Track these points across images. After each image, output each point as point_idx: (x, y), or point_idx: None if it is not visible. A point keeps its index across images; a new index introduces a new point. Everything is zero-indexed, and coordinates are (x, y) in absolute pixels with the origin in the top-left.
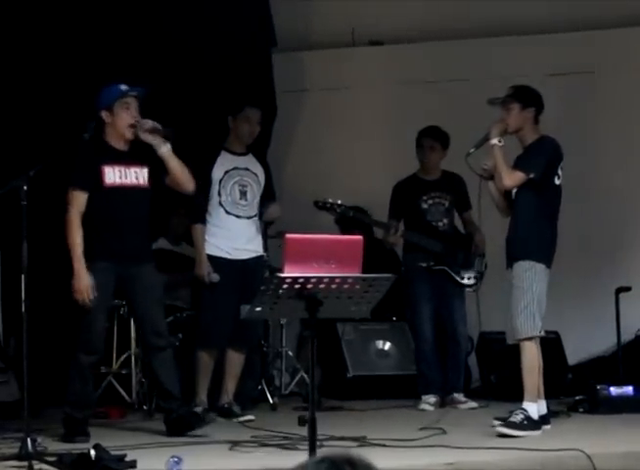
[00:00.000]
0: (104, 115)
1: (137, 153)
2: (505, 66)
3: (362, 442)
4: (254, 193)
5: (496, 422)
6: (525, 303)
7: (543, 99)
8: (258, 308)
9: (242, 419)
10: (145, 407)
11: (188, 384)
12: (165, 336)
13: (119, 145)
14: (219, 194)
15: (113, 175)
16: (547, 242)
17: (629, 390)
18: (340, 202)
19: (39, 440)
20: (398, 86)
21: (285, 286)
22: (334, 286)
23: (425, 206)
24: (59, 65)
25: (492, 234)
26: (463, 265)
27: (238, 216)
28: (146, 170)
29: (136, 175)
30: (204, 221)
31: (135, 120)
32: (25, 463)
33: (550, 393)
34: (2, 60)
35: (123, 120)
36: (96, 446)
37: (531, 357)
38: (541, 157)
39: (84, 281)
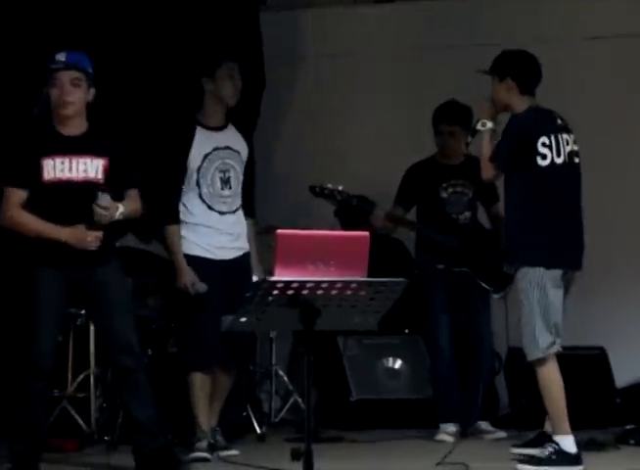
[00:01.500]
0: (45, 88)
1: (90, 139)
2: (529, 29)
3: None
4: (238, 178)
5: (516, 450)
6: (526, 319)
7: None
8: (243, 319)
9: (224, 454)
10: (107, 438)
11: (163, 411)
12: (136, 354)
13: (64, 129)
14: (198, 185)
15: (52, 168)
16: (542, 241)
17: None
18: (341, 188)
19: None
20: (410, 52)
21: (275, 292)
22: (334, 292)
23: (444, 195)
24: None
25: None
26: (488, 267)
27: (221, 213)
28: (100, 162)
29: (85, 168)
30: (178, 221)
31: (65, 98)
32: None
33: (594, 421)
34: None
35: (54, 97)
36: None
37: (545, 381)
38: (501, 143)
39: (78, 232)
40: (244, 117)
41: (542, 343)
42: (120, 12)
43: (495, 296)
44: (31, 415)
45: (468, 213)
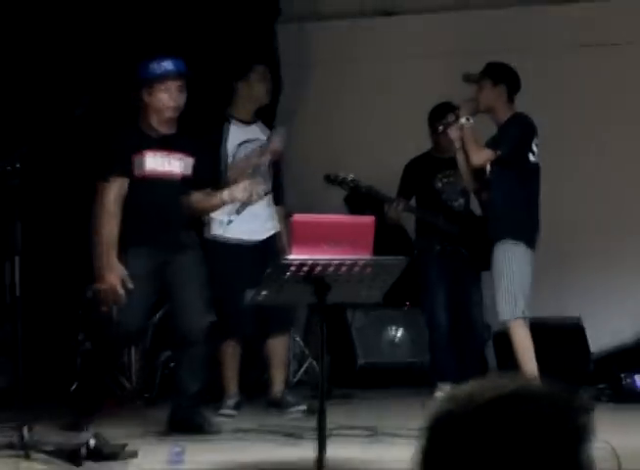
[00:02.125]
0: (143, 93)
1: (180, 138)
2: (523, 38)
3: (373, 432)
4: (267, 166)
5: None
6: (505, 285)
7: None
8: (264, 293)
9: (295, 409)
10: (146, 395)
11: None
12: (202, 330)
13: (161, 128)
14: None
15: (153, 161)
16: (525, 221)
17: None
18: (352, 176)
19: (36, 428)
20: (411, 60)
21: (292, 270)
22: (343, 269)
23: (439, 185)
24: (47, 40)
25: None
26: (480, 247)
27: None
28: (187, 159)
29: (179, 163)
30: None
31: (175, 104)
32: (22, 453)
33: (571, 381)
34: None
35: (162, 102)
36: (96, 435)
37: (520, 339)
38: (510, 133)
39: (114, 273)
40: (262, 117)
41: (519, 307)
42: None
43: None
44: (101, 374)
45: (462, 200)
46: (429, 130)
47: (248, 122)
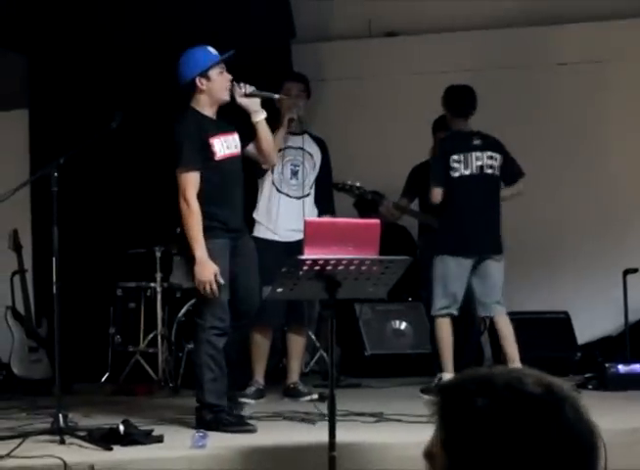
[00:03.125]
0: (198, 81)
1: (225, 121)
2: (523, 56)
3: (379, 417)
4: (306, 173)
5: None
6: (432, 286)
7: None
8: (280, 289)
9: (308, 398)
10: (171, 385)
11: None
12: (249, 317)
13: (213, 114)
14: (272, 171)
15: (221, 147)
16: (449, 235)
17: (636, 367)
18: (358, 184)
19: (70, 415)
20: (414, 77)
21: (305, 268)
22: (352, 268)
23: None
24: (88, 54)
25: (514, 217)
26: None
27: (288, 196)
28: (237, 137)
29: (235, 143)
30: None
31: (233, 83)
32: (57, 437)
33: (560, 370)
34: (36, 50)
35: (221, 85)
36: (125, 422)
37: (437, 333)
38: (432, 166)
39: (209, 269)
40: (275, 130)
41: (436, 306)
42: None
43: None
44: (219, 373)
45: None
46: (433, 138)
47: (293, 133)
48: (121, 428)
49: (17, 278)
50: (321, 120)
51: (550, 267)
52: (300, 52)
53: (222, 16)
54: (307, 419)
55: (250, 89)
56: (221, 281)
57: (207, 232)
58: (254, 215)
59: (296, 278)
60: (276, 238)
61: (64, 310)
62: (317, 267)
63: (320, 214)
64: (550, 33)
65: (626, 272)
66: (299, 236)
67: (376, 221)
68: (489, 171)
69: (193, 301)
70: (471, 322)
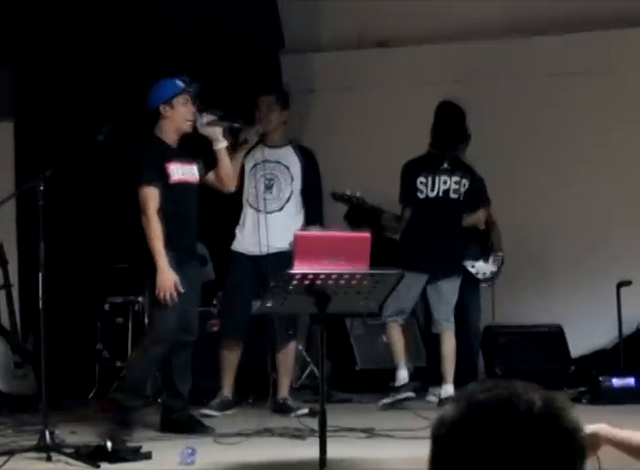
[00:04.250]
0: (162, 108)
1: (186, 150)
2: (512, 67)
3: (370, 433)
4: (281, 187)
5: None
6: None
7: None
8: (269, 304)
9: (299, 413)
10: (159, 400)
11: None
12: (194, 334)
13: (173, 142)
14: (245, 188)
15: (177, 172)
16: (411, 251)
17: (631, 381)
18: (358, 194)
19: (57, 432)
20: (404, 88)
21: (294, 282)
22: (342, 282)
23: None
24: (73, 66)
25: (510, 231)
26: (478, 260)
27: (258, 210)
28: (195, 167)
29: (192, 172)
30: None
31: (195, 114)
32: (44, 455)
33: (554, 384)
34: (21, 61)
35: (183, 115)
36: (112, 438)
37: (389, 338)
38: (402, 187)
39: (169, 277)
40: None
41: (386, 313)
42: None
43: (484, 284)
44: (145, 376)
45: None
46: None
47: (273, 146)
48: (109, 444)
49: (2, 293)
50: (311, 131)
51: (544, 280)
52: (290, 63)
53: (211, 27)
54: (298, 435)
55: (210, 118)
56: (181, 289)
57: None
58: (236, 230)
59: (285, 292)
60: (249, 252)
61: (50, 325)
62: (307, 282)
63: (307, 225)
64: (540, 43)
65: (620, 285)
66: (273, 250)
67: (366, 235)
68: (454, 196)
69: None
70: (467, 335)
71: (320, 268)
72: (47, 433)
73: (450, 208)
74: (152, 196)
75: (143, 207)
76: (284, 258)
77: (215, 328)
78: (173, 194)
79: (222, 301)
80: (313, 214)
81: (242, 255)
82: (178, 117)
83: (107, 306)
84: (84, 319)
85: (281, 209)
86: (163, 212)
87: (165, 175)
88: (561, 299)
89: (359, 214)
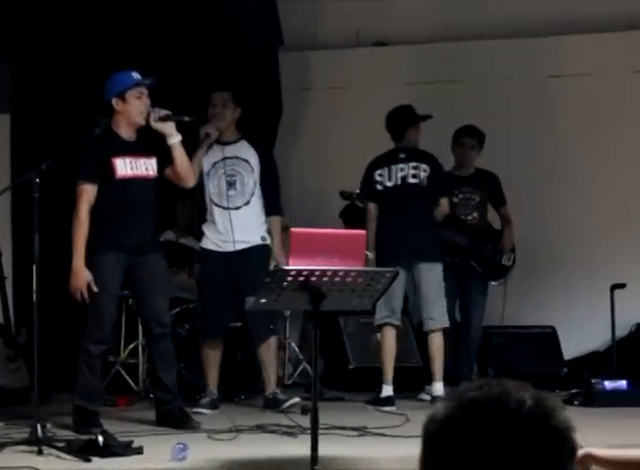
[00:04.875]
0: (114, 102)
1: (144, 143)
2: (509, 67)
3: (363, 431)
4: (244, 181)
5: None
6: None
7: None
8: (263, 300)
9: (288, 404)
10: (151, 396)
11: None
12: (166, 325)
13: (128, 135)
14: (207, 186)
15: (124, 166)
16: (386, 243)
17: (623, 384)
18: None
19: (48, 425)
20: (401, 87)
21: (289, 279)
22: (337, 279)
23: (455, 200)
24: (70, 60)
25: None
26: (489, 260)
27: (225, 208)
28: (154, 161)
29: (145, 166)
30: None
31: (149, 108)
32: (35, 448)
33: (546, 385)
34: (18, 55)
35: (136, 108)
36: (104, 433)
37: (381, 340)
38: (361, 185)
39: (82, 277)
40: (263, 138)
41: (377, 316)
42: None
43: (494, 283)
44: (93, 377)
45: (475, 214)
46: (453, 147)
47: (228, 142)
48: (100, 439)
49: None
50: (307, 129)
51: (537, 282)
52: (288, 60)
53: (209, 24)
54: (290, 432)
55: (163, 113)
56: (94, 289)
57: (98, 245)
58: (203, 227)
59: (280, 289)
60: (221, 249)
61: (43, 319)
62: (301, 278)
63: (268, 216)
64: (540, 44)
65: (614, 287)
66: (243, 246)
67: (361, 232)
68: (413, 181)
69: (176, 310)
70: (469, 334)
71: (315, 265)
72: (39, 426)
73: (411, 192)
74: (85, 193)
75: (76, 203)
76: (256, 252)
77: (238, 324)
78: (118, 190)
79: (199, 299)
80: (273, 205)
81: (213, 252)
82: (131, 110)
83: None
84: (78, 313)
85: (247, 203)
86: (107, 210)
87: (110, 171)
88: (554, 300)
89: (354, 213)
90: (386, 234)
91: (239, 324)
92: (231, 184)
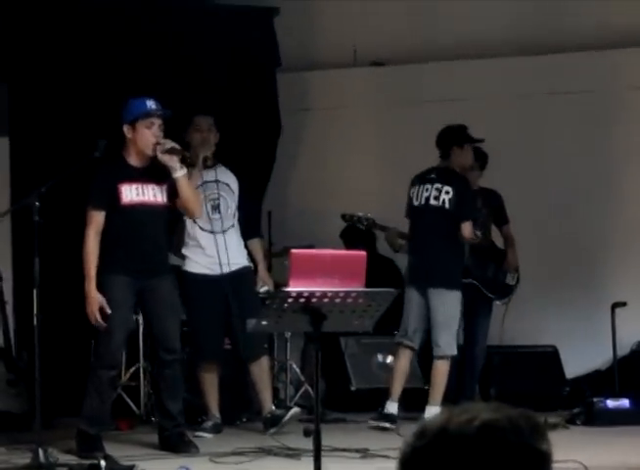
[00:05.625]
0: (126, 129)
1: (155, 170)
2: (504, 86)
3: (365, 453)
4: (228, 204)
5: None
6: None
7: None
8: (264, 322)
9: (288, 417)
10: (153, 419)
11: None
12: (175, 351)
13: (138, 162)
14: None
15: (130, 193)
16: (408, 262)
17: (625, 402)
18: (369, 215)
19: (50, 450)
20: (398, 106)
21: (290, 300)
22: (337, 300)
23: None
24: (69, 82)
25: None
26: (493, 279)
27: (212, 232)
28: (164, 188)
29: (154, 193)
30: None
31: (157, 140)
32: None
33: (548, 405)
34: (17, 77)
35: (145, 138)
36: (106, 457)
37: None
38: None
39: (95, 302)
40: (262, 159)
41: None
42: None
43: (498, 302)
44: (101, 402)
45: (478, 233)
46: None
47: (206, 167)
48: (102, 463)
49: None
50: (306, 149)
51: (538, 301)
52: (286, 80)
53: (208, 44)
54: (293, 454)
55: (168, 146)
56: (108, 310)
57: (107, 267)
58: (183, 250)
59: (280, 311)
60: (209, 272)
61: (44, 343)
62: (302, 300)
63: (247, 240)
64: (538, 62)
65: (615, 306)
66: (232, 267)
67: (362, 253)
68: (434, 203)
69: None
70: (473, 354)
71: (315, 287)
72: (41, 451)
73: (432, 215)
74: (94, 219)
75: (85, 229)
76: (244, 273)
77: (229, 346)
78: (125, 216)
79: (191, 325)
80: (254, 228)
81: (202, 275)
82: (140, 139)
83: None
84: (78, 337)
85: (232, 226)
86: (114, 235)
87: (116, 197)
88: (556, 319)
89: (355, 233)
90: (408, 254)
91: (229, 346)
92: (215, 208)
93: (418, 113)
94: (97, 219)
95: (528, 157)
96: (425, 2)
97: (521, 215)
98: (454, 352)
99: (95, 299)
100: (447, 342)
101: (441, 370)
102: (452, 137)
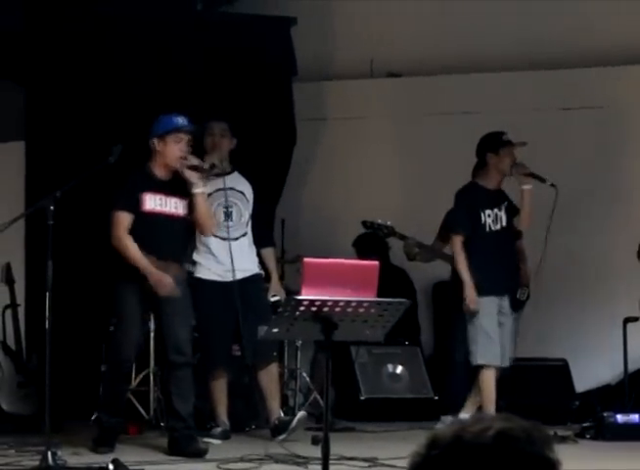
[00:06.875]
0: (155, 142)
1: (178, 184)
2: (521, 99)
3: (373, 462)
4: (241, 212)
5: None
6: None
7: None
8: (275, 330)
9: (295, 422)
10: (162, 424)
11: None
12: (186, 354)
13: (163, 174)
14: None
15: (153, 202)
16: (481, 279)
17: (635, 418)
18: (389, 223)
19: (59, 453)
20: (414, 117)
21: (301, 308)
22: (349, 310)
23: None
24: (85, 87)
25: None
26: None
27: (223, 239)
28: (186, 202)
29: (175, 205)
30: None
31: (183, 154)
32: None
33: (558, 419)
34: (33, 82)
35: (172, 152)
36: (114, 461)
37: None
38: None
39: (163, 277)
40: (277, 167)
41: None
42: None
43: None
44: (116, 393)
45: None
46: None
47: (222, 174)
48: (111, 467)
49: (8, 312)
50: (320, 158)
51: (549, 315)
52: (302, 91)
53: (225, 54)
54: (300, 462)
55: (194, 162)
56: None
57: (124, 274)
58: (194, 256)
59: (292, 318)
60: (220, 278)
61: (55, 346)
62: (314, 308)
63: (260, 249)
64: (550, 77)
65: (627, 321)
66: (243, 274)
67: (374, 263)
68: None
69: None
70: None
71: (327, 295)
72: (49, 454)
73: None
74: (121, 220)
75: (112, 229)
76: (254, 280)
77: (238, 352)
78: (144, 223)
79: (200, 331)
80: (267, 236)
81: (213, 282)
82: (168, 153)
83: (112, 328)
84: (89, 340)
85: (245, 234)
86: (134, 241)
87: (139, 205)
88: (566, 333)
89: (367, 243)
90: (484, 274)
91: (238, 353)
92: (228, 215)
93: (433, 124)
94: (124, 220)
95: (542, 171)
96: (442, 15)
97: (532, 229)
98: (484, 361)
99: (161, 275)
100: (472, 350)
101: (487, 380)
102: (486, 144)
